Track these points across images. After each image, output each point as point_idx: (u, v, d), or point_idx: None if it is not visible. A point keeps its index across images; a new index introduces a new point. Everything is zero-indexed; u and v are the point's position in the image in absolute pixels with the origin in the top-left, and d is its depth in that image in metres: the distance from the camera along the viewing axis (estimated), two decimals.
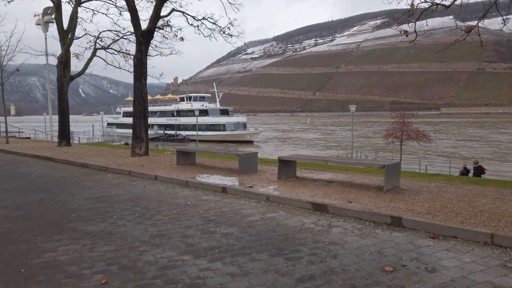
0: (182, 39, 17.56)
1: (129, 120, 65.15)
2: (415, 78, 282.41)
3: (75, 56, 17.66)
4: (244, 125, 57.44)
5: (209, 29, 13.91)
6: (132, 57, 18.35)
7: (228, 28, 13.82)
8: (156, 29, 13.61)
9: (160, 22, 15.16)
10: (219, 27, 13.85)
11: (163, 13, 12.95)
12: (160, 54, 18.16)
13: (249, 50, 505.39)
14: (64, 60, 16.21)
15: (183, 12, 13.63)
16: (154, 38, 16.74)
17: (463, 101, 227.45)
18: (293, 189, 7.38)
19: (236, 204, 6.73)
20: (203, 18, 13.70)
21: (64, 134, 16.99)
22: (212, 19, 13.73)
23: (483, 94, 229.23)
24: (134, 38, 16.51)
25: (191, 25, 13.96)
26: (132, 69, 17.77)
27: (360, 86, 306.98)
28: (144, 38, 12.19)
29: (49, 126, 20.05)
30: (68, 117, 17.04)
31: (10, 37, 18.01)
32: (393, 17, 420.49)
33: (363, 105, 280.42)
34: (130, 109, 69.53)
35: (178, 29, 17.34)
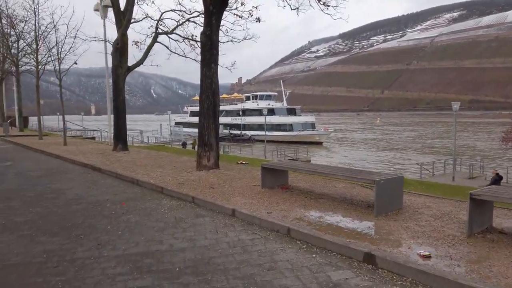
0: (258, 19, 14.26)
1: (196, 119, 64.43)
2: (497, 75, 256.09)
3: (135, 44, 15.07)
4: (312, 125, 53.58)
5: None
6: (199, 44, 15.38)
7: None
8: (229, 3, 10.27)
9: None
10: None
11: None
12: (232, 40, 14.95)
13: (313, 49, 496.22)
14: (120, 47, 13.55)
15: None
16: (225, 19, 13.59)
17: None
18: None
19: None
20: None
21: (120, 136, 14.35)
22: None
23: None
24: (202, 19, 13.46)
25: None
26: (199, 58, 14.76)
27: (433, 83, 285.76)
28: (215, 6, 8.86)
29: (109, 127, 17.82)
30: (124, 117, 14.38)
31: (69, 30, 15.91)
32: (472, 9, 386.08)
33: (437, 103, 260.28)
34: (197, 108, 69.41)
35: (253, 7, 14.09)
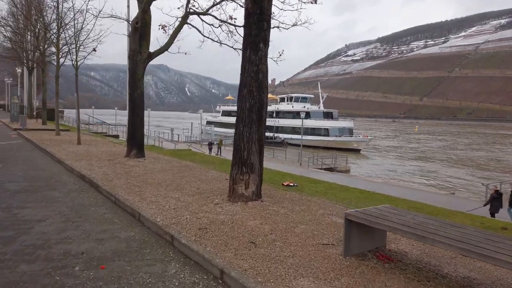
0: (315, 0, 11.26)
1: (228, 119, 62.43)
2: None
3: (162, 28, 12.38)
4: (350, 131, 49.88)
5: None
6: (238, 30, 12.47)
7: None
8: None
9: None
10: None
11: None
12: (278, 26, 11.98)
13: (350, 52, 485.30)
14: (140, 27, 10.83)
15: None
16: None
17: None
18: None
19: None
20: None
21: (134, 140, 11.57)
22: None
23: None
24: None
25: None
26: (236, 45, 11.86)
27: (476, 92, 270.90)
28: None
29: (127, 126, 15.24)
30: (142, 115, 11.55)
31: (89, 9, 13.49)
32: None
33: (480, 114, 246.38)
34: (230, 108, 67.45)
35: None
